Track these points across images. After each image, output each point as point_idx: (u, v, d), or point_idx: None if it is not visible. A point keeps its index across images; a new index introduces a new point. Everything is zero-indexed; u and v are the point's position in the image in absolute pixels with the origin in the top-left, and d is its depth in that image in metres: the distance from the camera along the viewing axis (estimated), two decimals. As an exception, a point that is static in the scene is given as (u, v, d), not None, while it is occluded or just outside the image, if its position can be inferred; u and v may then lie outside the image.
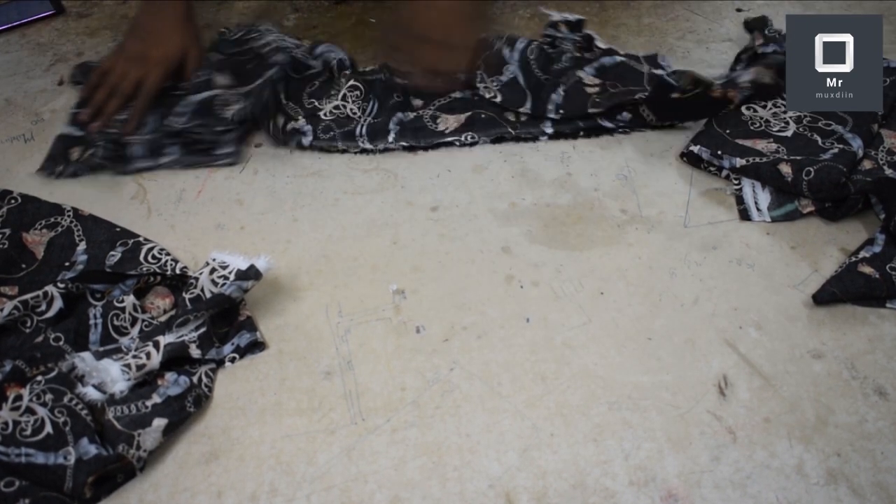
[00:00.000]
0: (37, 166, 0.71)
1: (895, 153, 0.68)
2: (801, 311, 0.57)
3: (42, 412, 0.47)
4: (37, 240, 0.62)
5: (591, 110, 0.73)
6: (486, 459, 0.48)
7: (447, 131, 0.73)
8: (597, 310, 0.57)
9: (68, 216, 0.63)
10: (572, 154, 0.72)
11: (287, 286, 0.60)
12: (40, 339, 0.53)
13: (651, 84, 0.74)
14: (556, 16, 0.83)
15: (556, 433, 0.50)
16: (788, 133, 0.70)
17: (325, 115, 0.74)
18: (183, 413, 0.49)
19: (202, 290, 0.56)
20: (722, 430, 0.49)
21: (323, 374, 0.53)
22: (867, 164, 0.67)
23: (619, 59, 0.78)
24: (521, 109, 0.74)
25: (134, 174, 0.70)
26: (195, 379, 0.51)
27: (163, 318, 0.57)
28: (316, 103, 0.75)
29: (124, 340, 0.54)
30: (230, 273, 0.55)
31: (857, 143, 0.66)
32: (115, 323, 0.55)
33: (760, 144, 0.68)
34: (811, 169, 0.63)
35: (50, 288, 0.55)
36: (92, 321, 0.55)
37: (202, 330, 0.53)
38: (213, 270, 0.56)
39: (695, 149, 0.69)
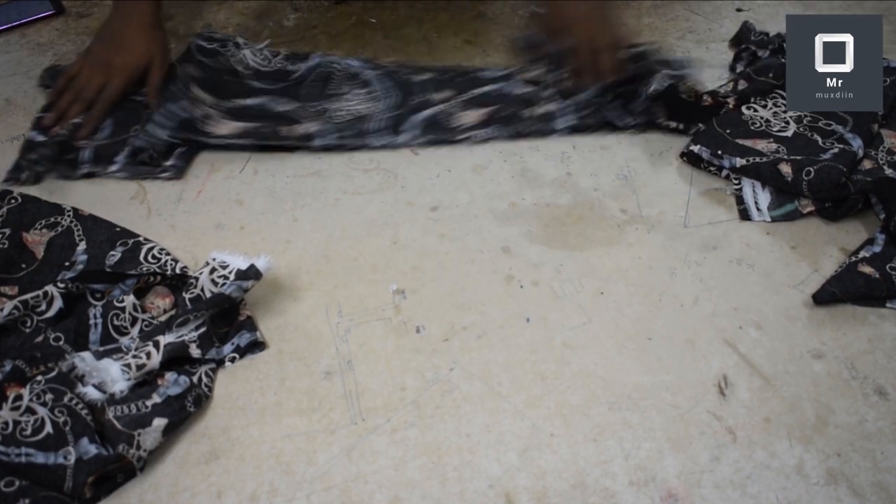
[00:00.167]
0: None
1: (895, 153, 0.68)
2: (801, 311, 0.57)
3: (42, 412, 0.47)
4: (37, 240, 0.62)
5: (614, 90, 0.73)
6: (486, 459, 0.48)
7: (461, 128, 0.73)
8: (597, 310, 0.57)
9: (68, 216, 0.63)
10: (572, 154, 0.72)
11: (287, 286, 0.60)
12: (40, 338, 0.53)
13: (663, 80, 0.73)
14: None
15: (556, 433, 0.49)
16: (789, 133, 0.70)
17: (334, 115, 0.74)
18: (183, 413, 0.49)
19: (202, 289, 0.56)
20: (722, 430, 0.49)
21: (323, 374, 0.53)
22: (867, 164, 0.67)
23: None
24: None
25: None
26: (195, 379, 0.51)
27: (163, 318, 0.57)
28: (322, 104, 0.75)
29: (124, 340, 0.54)
30: (230, 273, 0.55)
31: (857, 143, 0.66)
32: (115, 323, 0.55)
33: (760, 144, 0.68)
34: (811, 169, 0.63)
35: (50, 288, 0.55)
36: (92, 321, 0.55)
37: (202, 330, 0.53)
38: (213, 270, 0.56)
39: (695, 148, 0.69)
